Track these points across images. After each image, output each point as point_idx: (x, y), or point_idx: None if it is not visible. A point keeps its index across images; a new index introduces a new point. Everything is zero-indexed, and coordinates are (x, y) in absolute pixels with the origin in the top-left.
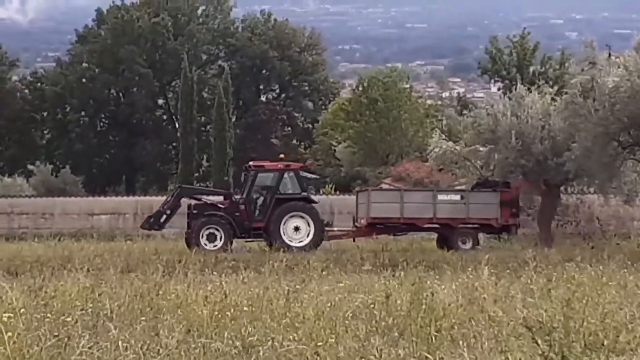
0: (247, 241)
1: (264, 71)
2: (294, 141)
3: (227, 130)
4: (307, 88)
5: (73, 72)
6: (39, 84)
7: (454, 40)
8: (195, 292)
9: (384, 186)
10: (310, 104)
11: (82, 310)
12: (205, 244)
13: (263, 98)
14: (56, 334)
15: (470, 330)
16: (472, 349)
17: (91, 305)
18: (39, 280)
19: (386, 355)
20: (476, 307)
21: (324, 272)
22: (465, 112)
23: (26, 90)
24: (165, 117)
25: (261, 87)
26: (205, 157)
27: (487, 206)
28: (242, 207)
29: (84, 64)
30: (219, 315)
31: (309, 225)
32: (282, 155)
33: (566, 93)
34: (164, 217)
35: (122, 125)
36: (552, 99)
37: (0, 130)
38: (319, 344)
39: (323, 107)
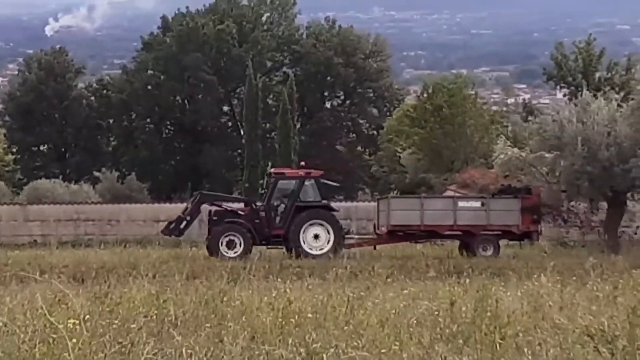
0: (268, 248)
1: (328, 78)
2: (359, 148)
3: (291, 137)
4: (371, 94)
5: (139, 79)
6: (105, 91)
7: (520, 46)
8: (259, 298)
9: (449, 193)
10: (375, 111)
11: (146, 317)
12: (225, 251)
13: (328, 105)
14: (120, 340)
15: (535, 338)
16: (536, 356)
17: (156, 312)
18: (104, 287)
19: None
20: (541, 314)
21: (388, 279)
22: (530, 118)
23: (92, 98)
24: (230, 123)
25: (326, 93)
26: (270, 163)
27: (508, 213)
28: (263, 214)
29: (150, 71)
30: (283, 322)
31: (328, 232)
32: (303, 163)
33: (632, 99)
34: (184, 223)
35: (188, 132)
36: (619, 105)
37: (67, 137)
38: (383, 351)
39: (388, 113)
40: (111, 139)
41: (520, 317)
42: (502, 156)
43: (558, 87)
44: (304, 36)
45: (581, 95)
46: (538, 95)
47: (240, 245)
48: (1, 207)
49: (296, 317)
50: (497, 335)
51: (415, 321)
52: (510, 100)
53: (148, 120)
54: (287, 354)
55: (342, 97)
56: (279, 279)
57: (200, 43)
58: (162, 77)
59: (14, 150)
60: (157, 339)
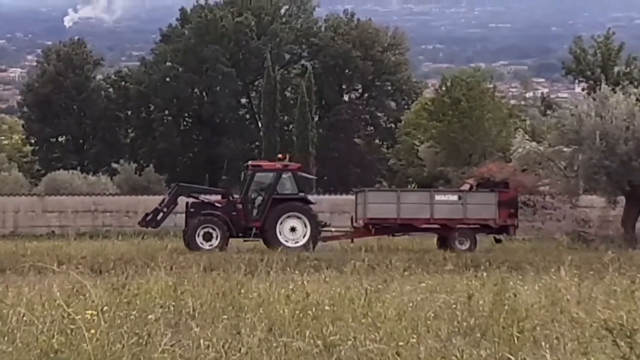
0: (245, 240)
1: (346, 71)
2: (377, 141)
3: (309, 130)
4: (390, 88)
5: (157, 71)
6: (123, 83)
7: (538, 40)
8: (277, 291)
9: (466, 186)
10: (393, 104)
11: (164, 308)
12: (202, 243)
13: (346, 97)
14: (138, 331)
15: (553, 332)
16: (554, 350)
17: (173, 303)
18: (122, 278)
19: (468, 355)
20: (559, 308)
21: (405, 272)
22: (549, 112)
23: (110, 89)
24: (248, 116)
25: (344, 86)
26: (287, 156)
27: (485, 206)
28: (240, 206)
29: (168, 63)
30: (301, 315)
31: (305, 225)
32: (280, 156)
33: None
34: (161, 215)
35: (205, 124)
36: (637, 99)
37: (85, 129)
38: (400, 343)
39: (406, 106)
40: (129, 130)
41: (538, 310)
42: (520, 150)
43: (576, 81)
44: (323, 29)
45: (600, 90)
46: (556, 89)
47: (216, 238)
48: (19, 198)
49: (314, 309)
50: (514, 328)
51: (432, 314)
52: (529, 94)
53: (166, 112)
54: (305, 346)
55: (360, 90)
56: (296, 272)
57: (218, 35)
58: (180, 69)
59: (33, 141)
60: (175, 330)
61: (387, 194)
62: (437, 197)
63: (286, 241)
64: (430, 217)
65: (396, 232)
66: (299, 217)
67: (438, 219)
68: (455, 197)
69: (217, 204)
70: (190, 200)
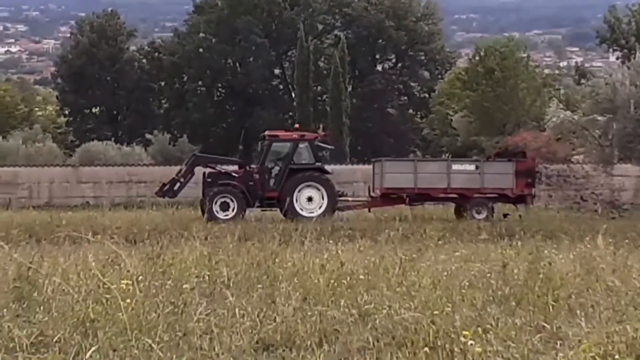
0: (262, 210)
1: (380, 41)
2: (410, 110)
3: (343, 100)
4: (423, 57)
5: (190, 42)
6: (156, 54)
7: (572, 9)
8: (311, 260)
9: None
10: (426, 74)
11: (199, 277)
12: (218, 213)
13: (379, 67)
14: (173, 301)
15: (588, 300)
16: (589, 318)
17: (208, 272)
18: (157, 248)
19: (503, 324)
20: (594, 276)
21: (440, 241)
22: (583, 81)
23: (144, 60)
24: (281, 86)
25: (377, 56)
26: (321, 126)
27: (502, 176)
28: (257, 176)
29: (201, 34)
30: (335, 284)
31: (322, 195)
32: (297, 125)
33: None
34: (178, 185)
35: (239, 94)
36: None
37: (119, 100)
38: (435, 312)
39: (439, 76)
40: (163, 101)
41: (573, 279)
42: (554, 119)
43: (611, 50)
44: None
45: (634, 58)
46: (590, 58)
47: (233, 208)
48: (54, 168)
49: (348, 278)
50: (549, 297)
51: (467, 283)
52: (563, 63)
53: (199, 83)
54: (340, 314)
55: (394, 60)
56: (330, 241)
57: (251, 6)
58: (213, 40)
59: (67, 112)
60: (210, 299)
61: (404, 164)
62: (454, 167)
63: (303, 211)
64: (447, 187)
65: (413, 202)
66: (315, 187)
67: (455, 189)
68: (472, 167)
69: (234, 174)
70: (208, 170)
